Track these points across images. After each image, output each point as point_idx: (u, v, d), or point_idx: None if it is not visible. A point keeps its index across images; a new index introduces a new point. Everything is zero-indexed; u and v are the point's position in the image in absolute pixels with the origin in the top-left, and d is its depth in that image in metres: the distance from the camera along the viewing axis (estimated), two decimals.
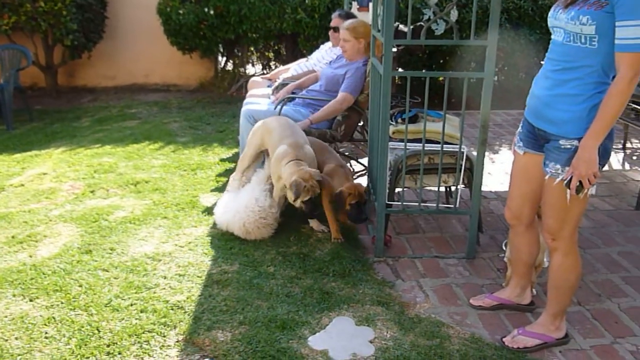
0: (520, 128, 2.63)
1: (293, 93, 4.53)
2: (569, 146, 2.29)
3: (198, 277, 3.13)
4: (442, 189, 4.02)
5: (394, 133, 3.61)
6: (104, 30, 8.36)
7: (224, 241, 3.53)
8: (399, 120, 3.66)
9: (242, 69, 8.77)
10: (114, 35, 8.58)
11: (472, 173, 3.40)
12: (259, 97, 4.89)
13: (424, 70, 7.49)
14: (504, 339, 2.66)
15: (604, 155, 2.28)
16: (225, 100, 7.77)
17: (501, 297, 2.94)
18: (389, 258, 3.45)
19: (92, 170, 4.82)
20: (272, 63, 8.86)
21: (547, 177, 2.40)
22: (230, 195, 3.72)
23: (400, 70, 7.20)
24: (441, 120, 3.71)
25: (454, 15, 3.06)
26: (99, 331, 2.64)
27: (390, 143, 3.51)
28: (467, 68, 7.41)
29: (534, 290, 3.04)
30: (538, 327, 2.66)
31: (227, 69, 8.79)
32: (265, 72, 8.54)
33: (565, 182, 2.29)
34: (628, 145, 5.73)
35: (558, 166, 2.34)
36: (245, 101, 4.79)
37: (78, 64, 8.58)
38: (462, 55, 7.29)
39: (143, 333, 2.63)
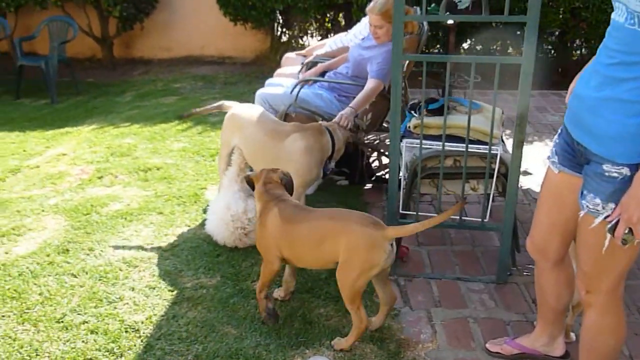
0: (557, 137, 1.97)
1: (321, 75, 3.99)
2: (615, 174, 1.63)
3: (169, 291, 2.74)
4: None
5: (415, 127, 3.00)
6: (157, 0, 8.10)
7: (212, 245, 3.11)
8: (423, 112, 3.04)
9: (299, 41, 8.27)
10: (168, 6, 8.32)
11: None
12: (286, 77, 4.38)
13: (463, 49, 6.60)
14: None
15: None
16: None
17: (524, 345, 2.32)
18: (401, 277, 2.90)
19: (109, 153, 4.55)
20: (330, 34, 8.28)
21: (582, 213, 1.76)
22: (213, 202, 3.26)
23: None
24: (477, 111, 3.08)
25: None
26: (37, 355, 2.31)
27: (408, 140, 2.94)
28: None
29: (571, 334, 2.40)
30: None
31: (283, 40, 8.32)
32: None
33: (609, 226, 1.63)
34: None
35: (598, 201, 1.69)
36: (267, 81, 4.30)
37: (134, 35, 8.43)
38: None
39: None
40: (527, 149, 4.65)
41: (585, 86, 1.75)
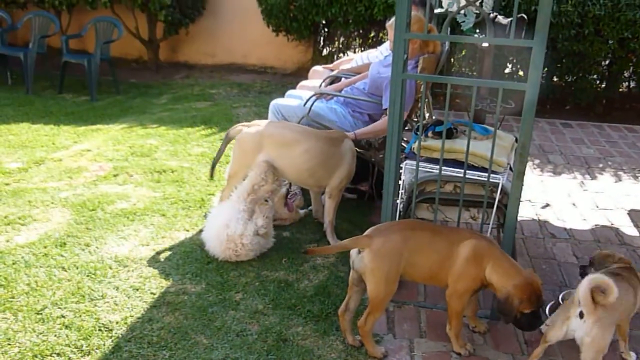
0: None
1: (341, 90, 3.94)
2: None
3: (152, 293, 2.72)
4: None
5: (423, 149, 2.89)
6: (203, 6, 8.24)
7: (205, 252, 3.09)
8: (429, 134, 2.94)
9: (341, 56, 8.25)
10: (215, 12, 8.45)
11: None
12: (308, 89, 4.35)
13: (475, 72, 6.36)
14: None
15: None
16: None
17: None
18: (392, 302, 2.79)
19: (130, 153, 4.62)
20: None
21: None
22: (215, 210, 3.23)
23: None
24: (486, 137, 2.96)
25: (487, 4, 2.29)
26: (9, 344, 2.33)
27: (410, 162, 2.84)
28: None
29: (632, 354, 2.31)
30: None
31: (324, 54, 8.32)
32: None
33: None
34: None
35: None
36: (288, 92, 4.28)
37: (180, 39, 8.59)
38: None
39: (50, 355, 2.28)
40: (553, 180, 4.47)
41: None
